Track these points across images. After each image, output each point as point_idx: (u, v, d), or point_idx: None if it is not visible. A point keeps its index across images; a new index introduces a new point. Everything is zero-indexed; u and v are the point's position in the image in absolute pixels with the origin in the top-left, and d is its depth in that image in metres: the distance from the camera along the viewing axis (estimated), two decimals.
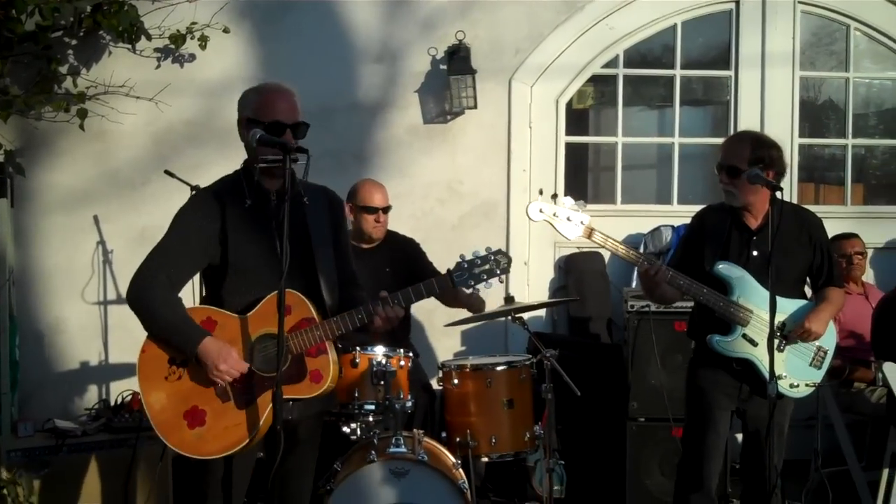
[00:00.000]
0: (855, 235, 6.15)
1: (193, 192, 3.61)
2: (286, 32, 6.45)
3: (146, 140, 6.30)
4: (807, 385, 4.29)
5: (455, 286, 3.57)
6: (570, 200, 4.07)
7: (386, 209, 5.51)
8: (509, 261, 3.58)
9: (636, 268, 4.21)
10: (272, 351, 3.46)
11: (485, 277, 3.54)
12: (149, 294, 3.47)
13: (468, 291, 3.60)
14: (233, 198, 3.55)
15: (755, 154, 4.19)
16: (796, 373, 4.27)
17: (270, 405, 3.42)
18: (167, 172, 5.73)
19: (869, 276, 6.65)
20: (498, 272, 3.56)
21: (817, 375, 4.33)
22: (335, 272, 3.67)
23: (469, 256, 3.57)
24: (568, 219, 4.02)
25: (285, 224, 3.31)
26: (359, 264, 5.41)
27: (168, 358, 3.50)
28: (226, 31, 6.23)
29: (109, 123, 6.24)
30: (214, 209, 3.53)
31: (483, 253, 3.57)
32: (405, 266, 5.56)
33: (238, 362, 3.44)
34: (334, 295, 3.63)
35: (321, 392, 3.51)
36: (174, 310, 3.48)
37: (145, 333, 3.54)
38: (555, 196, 4.07)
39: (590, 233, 4.05)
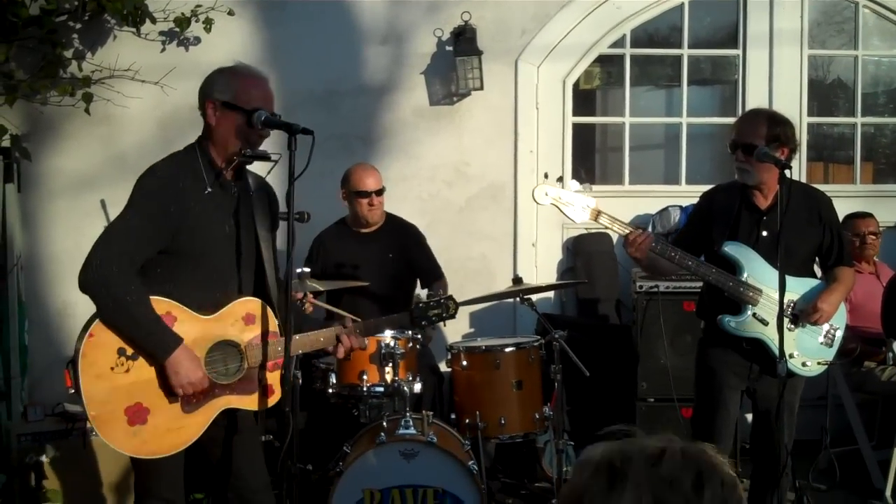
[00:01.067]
0: (870, 215, 6.10)
1: (150, 169, 3.41)
2: (291, 15, 6.42)
3: (152, 124, 6.29)
4: (818, 363, 4.28)
5: (413, 326, 3.88)
6: (575, 184, 4.07)
7: (379, 192, 5.50)
8: (457, 307, 3.82)
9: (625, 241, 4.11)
10: (231, 360, 3.40)
11: (435, 320, 3.78)
12: (119, 286, 3.24)
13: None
14: (193, 182, 3.38)
15: (771, 131, 4.17)
16: (807, 351, 4.26)
17: (216, 413, 3.38)
18: None
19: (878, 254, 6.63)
20: (445, 317, 3.78)
21: (828, 353, 4.32)
22: (275, 269, 3.62)
23: (425, 299, 3.80)
24: (574, 202, 4.01)
25: (291, 212, 3.28)
26: (361, 250, 5.48)
27: (118, 348, 3.28)
28: (230, 13, 6.21)
29: (115, 107, 6.23)
30: (177, 192, 3.34)
31: (436, 297, 3.78)
32: (406, 252, 5.57)
33: (203, 380, 3.32)
34: (278, 293, 3.58)
35: (268, 406, 3.48)
36: (147, 309, 3.27)
37: None
38: (560, 179, 4.06)
39: (596, 215, 4.03)
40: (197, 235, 3.37)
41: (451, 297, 3.78)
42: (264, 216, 3.57)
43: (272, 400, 3.46)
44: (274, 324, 3.45)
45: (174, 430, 3.34)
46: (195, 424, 3.37)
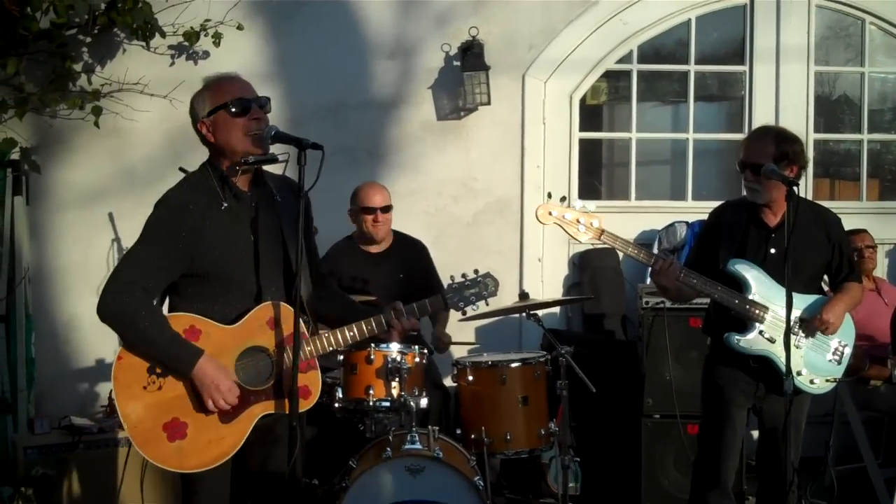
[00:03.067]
0: (863, 230, 6.12)
1: (163, 196, 3.46)
2: (300, 29, 6.45)
3: (160, 137, 6.31)
4: (826, 380, 4.28)
5: (447, 308, 3.65)
6: (579, 202, 4.07)
7: (385, 209, 5.50)
8: (497, 284, 3.67)
9: (649, 266, 4.21)
10: (261, 364, 3.41)
11: (473, 300, 3.64)
12: (131, 314, 3.29)
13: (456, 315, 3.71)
14: (206, 201, 3.41)
15: (780, 149, 4.18)
16: (815, 368, 4.25)
17: (255, 420, 3.39)
18: (181, 170, 5.63)
19: (883, 271, 6.63)
20: (485, 294, 3.65)
21: (837, 370, 4.32)
22: (308, 268, 3.59)
23: (459, 278, 3.64)
24: (577, 221, 4.03)
25: (301, 222, 3.29)
26: (371, 269, 5.47)
27: (147, 367, 3.34)
28: (240, 27, 6.23)
29: (124, 121, 6.25)
30: (188, 215, 3.37)
31: (472, 276, 3.64)
32: (414, 270, 5.56)
33: (231, 388, 3.33)
34: (311, 293, 3.58)
35: (308, 407, 3.46)
36: (162, 330, 3.31)
37: None
38: (563, 199, 4.07)
39: (600, 234, 4.05)
40: (217, 253, 3.39)
41: (488, 274, 3.66)
42: (291, 217, 3.50)
43: (309, 402, 3.45)
44: (301, 325, 3.42)
45: (215, 442, 3.36)
46: (235, 433, 3.39)
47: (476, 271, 3.66)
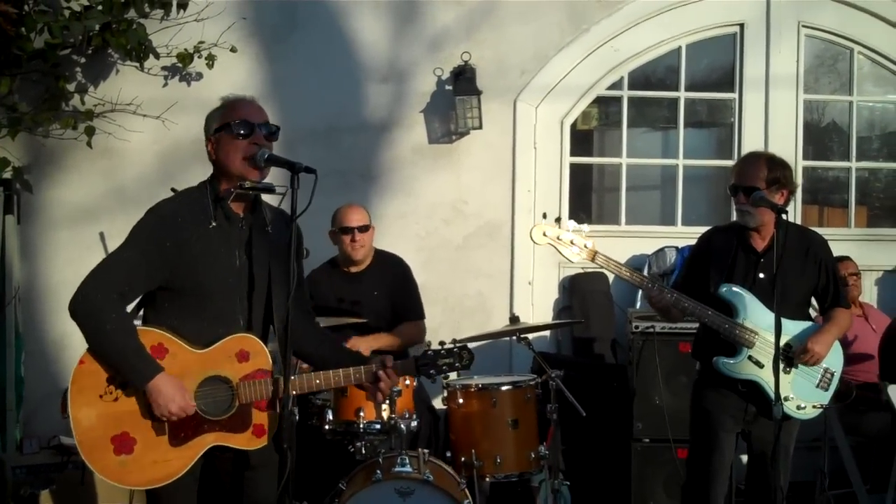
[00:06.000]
0: (847, 258, 6.17)
1: (154, 205, 3.45)
2: (293, 52, 6.49)
3: (153, 158, 6.33)
4: (813, 407, 4.30)
5: (418, 374, 3.62)
6: (573, 224, 4.10)
7: (362, 228, 5.47)
8: (472, 358, 3.61)
9: (641, 291, 4.24)
10: (221, 395, 3.36)
11: (445, 369, 3.58)
12: (101, 314, 3.25)
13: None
14: (196, 217, 3.39)
15: (771, 174, 4.22)
16: (803, 394, 4.27)
17: (204, 449, 3.35)
18: (173, 190, 5.67)
19: (873, 298, 6.67)
20: (457, 367, 3.60)
21: (824, 397, 4.33)
22: (284, 307, 3.44)
23: (436, 346, 3.60)
24: (571, 242, 4.06)
25: (292, 247, 3.30)
26: (349, 289, 5.48)
27: (107, 376, 3.29)
28: (233, 50, 6.27)
29: (116, 141, 6.27)
30: (176, 227, 3.35)
31: (449, 346, 3.60)
32: (393, 288, 5.56)
33: (187, 403, 3.29)
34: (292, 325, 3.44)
35: (258, 447, 3.40)
36: (127, 337, 3.27)
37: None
38: (558, 220, 4.10)
39: (593, 256, 4.08)
40: (199, 270, 3.36)
41: (465, 347, 3.61)
42: (282, 249, 3.47)
43: (261, 441, 3.40)
44: (269, 362, 3.40)
45: (160, 463, 3.31)
46: (182, 458, 3.34)
47: (454, 341, 3.63)
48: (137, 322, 3.42)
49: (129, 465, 3.29)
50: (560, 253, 4.08)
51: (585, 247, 4.06)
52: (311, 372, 3.52)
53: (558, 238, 4.06)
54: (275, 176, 3.50)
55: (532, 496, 5.48)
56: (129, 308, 3.39)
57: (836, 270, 4.46)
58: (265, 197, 3.55)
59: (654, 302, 4.20)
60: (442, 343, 3.61)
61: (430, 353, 3.58)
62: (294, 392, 3.41)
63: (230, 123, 3.40)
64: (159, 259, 3.32)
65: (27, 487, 4.98)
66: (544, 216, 4.14)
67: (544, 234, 4.06)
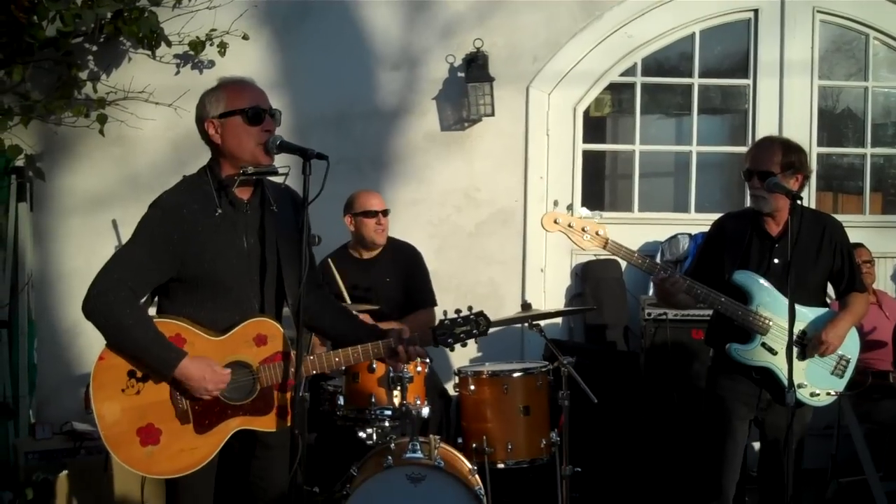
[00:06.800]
0: (860, 245, 6.10)
1: (158, 197, 3.43)
2: (305, 39, 6.48)
3: (165, 145, 6.34)
4: (828, 394, 4.28)
5: (436, 344, 3.58)
6: (585, 211, 4.09)
7: (385, 212, 5.53)
8: (489, 324, 3.58)
9: (652, 276, 4.22)
10: (242, 380, 3.38)
11: (463, 337, 3.55)
12: (117, 311, 3.26)
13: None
14: (201, 206, 3.38)
15: (786, 158, 4.19)
16: (817, 381, 4.25)
17: (229, 434, 3.37)
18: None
19: (887, 286, 6.63)
20: (476, 333, 3.56)
21: (839, 384, 4.31)
22: (296, 286, 3.45)
23: (452, 315, 3.57)
24: (583, 229, 4.04)
25: (305, 233, 3.30)
26: (361, 275, 5.48)
27: (128, 370, 3.33)
28: (245, 37, 6.27)
29: (128, 129, 6.28)
30: (182, 219, 3.35)
31: (465, 313, 3.56)
32: (406, 275, 5.57)
33: (221, 375, 3.31)
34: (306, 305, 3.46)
35: (284, 428, 3.41)
36: (146, 329, 3.29)
37: None
38: (570, 207, 4.09)
39: (605, 243, 4.05)
40: (209, 259, 3.36)
41: (481, 313, 3.58)
42: (288, 227, 3.50)
43: (284, 423, 3.42)
44: (287, 344, 3.42)
45: (187, 451, 3.35)
46: (209, 445, 3.37)
47: (470, 308, 3.58)
48: (151, 312, 3.44)
49: (157, 455, 3.33)
50: (571, 240, 4.07)
51: (597, 234, 4.04)
52: (329, 349, 3.54)
53: (570, 226, 4.04)
54: (284, 161, 3.49)
55: (544, 482, 5.49)
56: (142, 300, 3.40)
57: (851, 253, 4.42)
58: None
59: (661, 289, 4.18)
60: (458, 311, 3.56)
61: (446, 322, 3.56)
62: (315, 371, 3.51)
63: (245, 109, 3.38)
64: (167, 253, 3.33)
65: (40, 473, 5.01)
66: (555, 203, 4.13)
67: (556, 222, 4.04)
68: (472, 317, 3.57)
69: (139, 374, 3.33)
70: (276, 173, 3.44)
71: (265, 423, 3.42)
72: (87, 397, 3.38)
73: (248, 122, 3.39)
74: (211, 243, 3.37)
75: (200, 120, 3.45)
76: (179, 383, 3.31)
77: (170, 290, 3.43)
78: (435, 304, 5.60)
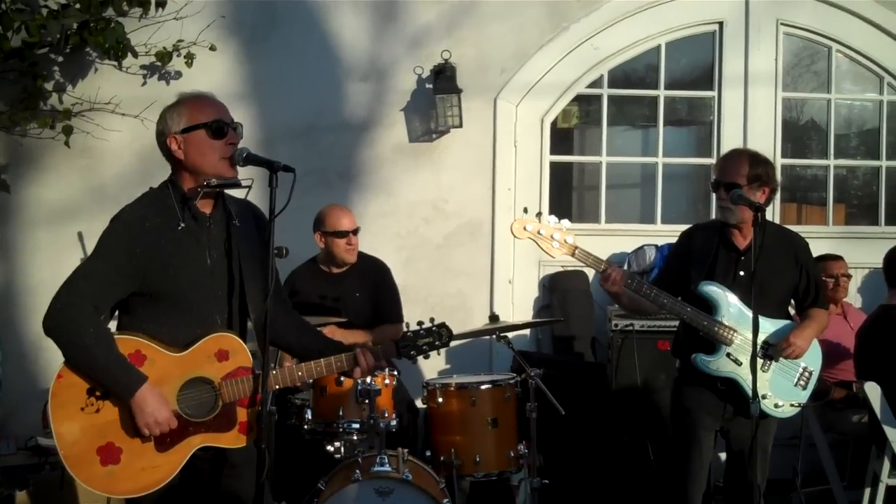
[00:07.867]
0: (839, 258, 6.17)
1: (119, 211, 3.38)
2: (272, 50, 6.47)
3: (131, 157, 6.30)
4: (791, 405, 4.32)
5: (400, 357, 3.59)
6: (553, 219, 4.10)
7: (355, 231, 5.53)
8: (451, 335, 3.59)
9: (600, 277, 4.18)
10: (204, 397, 3.34)
11: (426, 349, 3.56)
12: (78, 329, 3.20)
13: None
14: (164, 219, 3.34)
15: (753, 171, 4.24)
16: (781, 393, 4.29)
17: (191, 451, 3.33)
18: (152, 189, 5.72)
19: (851, 297, 6.69)
20: (438, 345, 3.57)
21: (802, 396, 4.35)
22: (261, 299, 3.42)
23: (414, 327, 3.57)
24: (551, 237, 4.06)
25: (271, 246, 3.27)
26: (330, 289, 5.48)
27: (87, 388, 3.25)
28: (212, 48, 6.25)
29: (95, 140, 6.25)
30: (144, 232, 3.30)
31: (427, 325, 3.57)
32: (374, 290, 5.57)
33: (169, 419, 3.27)
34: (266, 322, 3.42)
35: (246, 444, 3.38)
36: (108, 351, 3.23)
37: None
38: (539, 214, 4.10)
39: (573, 251, 4.07)
40: (171, 273, 3.33)
41: (443, 325, 3.58)
42: (250, 242, 3.48)
43: (248, 439, 3.39)
44: (249, 359, 3.39)
45: (149, 469, 3.29)
46: (170, 463, 3.32)
47: (432, 319, 3.58)
48: (111, 327, 3.39)
49: (118, 474, 3.27)
50: (540, 248, 4.08)
51: (566, 241, 4.06)
52: (294, 363, 3.52)
53: (539, 233, 4.06)
54: (249, 173, 3.47)
55: (511, 495, 5.49)
56: (103, 318, 3.34)
57: (818, 273, 4.48)
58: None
59: (607, 287, 4.15)
60: (420, 323, 3.57)
61: (409, 334, 3.56)
62: (278, 386, 3.48)
63: (207, 124, 3.36)
64: (130, 267, 3.29)
65: (3, 489, 4.95)
66: (525, 210, 4.14)
67: (525, 229, 4.07)
68: (434, 328, 3.57)
69: (98, 392, 3.27)
70: (239, 185, 3.41)
71: (228, 440, 3.38)
72: (46, 416, 3.31)
73: (211, 135, 3.36)
74: (174, 257, 3.33)
75: (162, 136, 3.42)
76: (132, 407, 3.26)
77: (130, 306, 3.38)
78: (402, 321, 5.57)
